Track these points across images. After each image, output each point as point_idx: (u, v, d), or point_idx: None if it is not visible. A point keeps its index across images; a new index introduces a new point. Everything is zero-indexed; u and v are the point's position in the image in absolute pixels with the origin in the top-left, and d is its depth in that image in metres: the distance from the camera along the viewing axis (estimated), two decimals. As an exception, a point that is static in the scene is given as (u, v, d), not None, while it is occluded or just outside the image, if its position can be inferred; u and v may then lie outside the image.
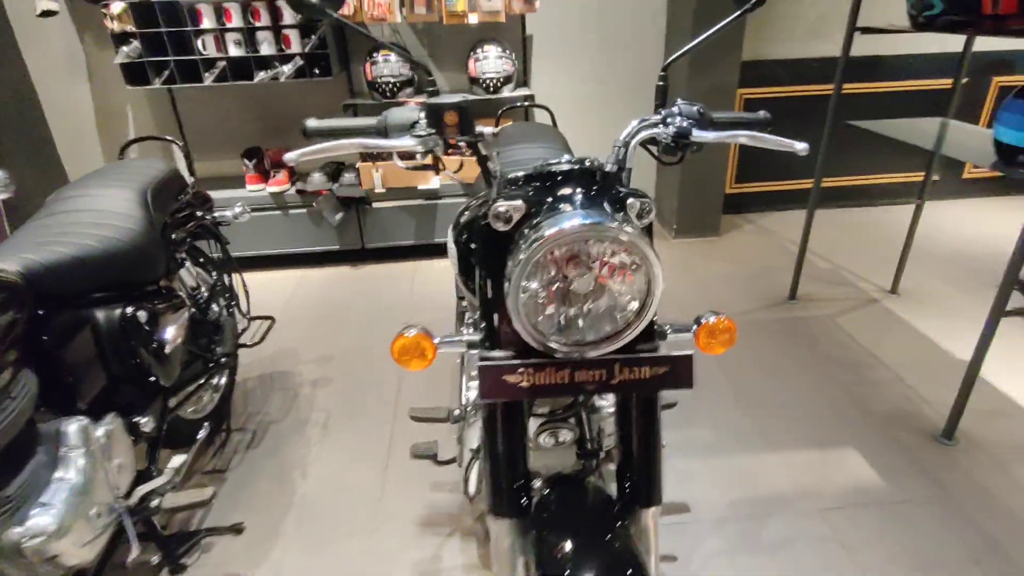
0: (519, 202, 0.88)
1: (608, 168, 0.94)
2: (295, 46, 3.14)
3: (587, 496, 1.02)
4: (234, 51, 3.12)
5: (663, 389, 0.94)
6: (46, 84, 3.50)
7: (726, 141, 1.05)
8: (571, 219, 0.83)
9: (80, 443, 1.36)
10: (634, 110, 3.91)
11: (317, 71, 3.21)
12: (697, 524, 1.84)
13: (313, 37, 3.13)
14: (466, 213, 1.38)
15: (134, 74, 3.13)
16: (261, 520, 1.91)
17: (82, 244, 1.54)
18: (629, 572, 0.86)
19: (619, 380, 0.91)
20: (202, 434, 1.84)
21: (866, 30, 2.48)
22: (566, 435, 1.24)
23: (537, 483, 1.06)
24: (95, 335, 1.49)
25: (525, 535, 0.97)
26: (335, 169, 3.54)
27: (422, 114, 1.04)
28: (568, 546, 0.89)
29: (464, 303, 2.19)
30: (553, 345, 0.88)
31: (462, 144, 1.06)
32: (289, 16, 3.08)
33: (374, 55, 3.28)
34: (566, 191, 0.89)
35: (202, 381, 1.90)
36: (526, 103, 3.38)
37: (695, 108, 1.06)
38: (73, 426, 1.36)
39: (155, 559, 1.73)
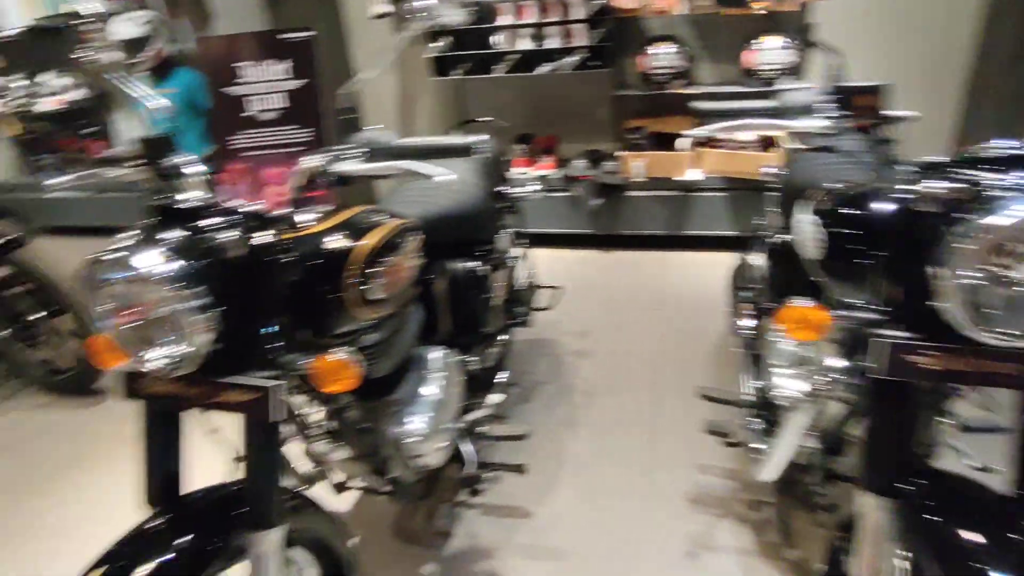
0: (962, 184, 0.88)
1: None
2: (580, 39, 3.36)
3: (975, 488, 0.97)
4: (524, 45, 3.43)
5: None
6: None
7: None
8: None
9: (441, 368, 1.65)
10: (929, 105, 3.49)
11: (598, 63, 3.40)
12: None
13: (599, 30, 3.31)
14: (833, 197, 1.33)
15: (438, 67, 3.60)
16: (539, 466, 2.11)
17: (444, 204, 1.85)
18: None
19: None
20: (502, 378, 2.10)
21: None
22: None
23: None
24: (451, 282, 1.78)
25: (906, 518, 0.96)
26: (597, 156, 3.71)
27: (819, 97, 1.06)
28: (970, 538, 0.87)
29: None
30: (985, 336, 0.86)
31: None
32: (577, 11, 3.30)
33: (650, 47, 3.37)
34: (1001, 176, 0.87)
35: (506, 336, 2.16)
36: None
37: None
38: (438, 354, 1.66)
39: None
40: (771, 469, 1.58)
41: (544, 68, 3.43)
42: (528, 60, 3.48)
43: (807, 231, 1.44)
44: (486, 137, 1.08)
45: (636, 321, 3.01)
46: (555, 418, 2.37)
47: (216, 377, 0.99)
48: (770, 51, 3.21)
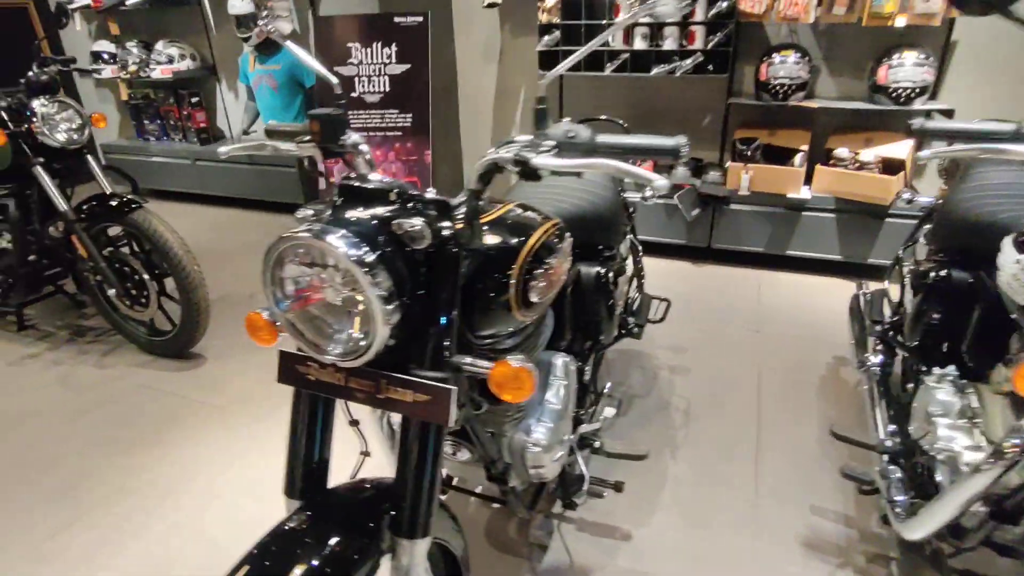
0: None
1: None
2: (698, 42, 3.22)
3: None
4: (639, 44, 3.31)
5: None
6: (464, 67, 4.16)
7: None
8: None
9: (564, 375, 1.57)
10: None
11: (711, 67, 3.25)
12: None
13: (719, 35, 3.16)
14: None
15: (547, 61, 3.53)
16: (637, 485, 2.01)
17: (578, 205, 1.77)
18: None
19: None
20: (607, 389, 2.01)
21: None
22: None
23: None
24: (577, 286, 1.70)
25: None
26: (700, 165, 3.57)
27: None
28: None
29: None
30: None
31: None
32: (700, 12, 3.16)
33: (772, 55, 3.19)
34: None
35: (613, 345, 2.06)
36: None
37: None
38: (561, 360, 1.58)
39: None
40: (920, 528, 1.43)
41: (659, 69, 3.31)
42: (642, 60, 3.36)
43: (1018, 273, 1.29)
44: (685, 139, 0.98)
45: (734, 342, 2.86)
46: (652, 435, 2.26)
47: (384, 371, 0.93)
48: (907, 68, 2.99)
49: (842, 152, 3.21)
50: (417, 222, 0.90)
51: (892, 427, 1.80)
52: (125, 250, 2.66)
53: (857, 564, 1.75)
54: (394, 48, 3.38)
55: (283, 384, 1.03)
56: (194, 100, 4.82)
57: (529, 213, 1.28)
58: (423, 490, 0.96)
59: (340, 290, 0.90)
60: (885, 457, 1.65)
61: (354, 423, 1.13)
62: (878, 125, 3.30)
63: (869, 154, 3.15)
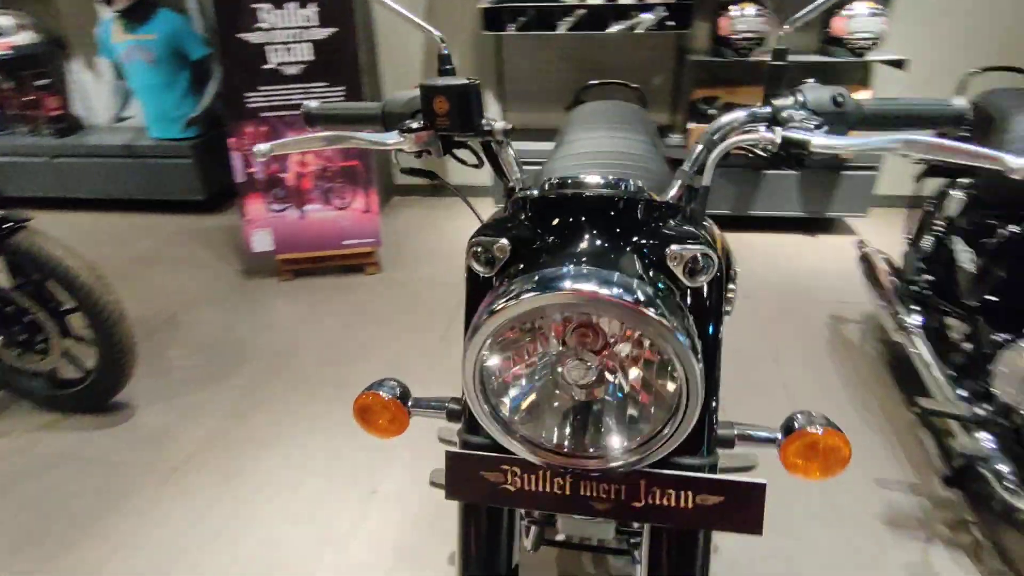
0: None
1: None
2: (657, -4, 3.00)
3: None
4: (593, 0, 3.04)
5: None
6: (386, 32, 3.67)
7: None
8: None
9: None
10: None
11: (673, 23, 3.05)
12: None
13: (680, -14, 2.97)
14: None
15: (493, 19, 3.16)
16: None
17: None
18: None
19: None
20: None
21: None
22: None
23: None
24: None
25: None
26: (657, 128, 3.40)
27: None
28: None
29: None
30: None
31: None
32: (658, -37, 2.94)
33: (729, 8, 3.06)
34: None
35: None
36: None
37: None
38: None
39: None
40: None
41: (619, 26, 3.06)
42: (598, 17, 3.09)
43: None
44: (965, 101, 0.74)
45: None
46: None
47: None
48: (863, 18, 2.97)
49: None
50: (698, 249, 0.59)
51: (962, 392, 1.74)
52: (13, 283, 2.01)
53: (942, 534, 1.69)
54: (314, 8, 2.85)
55: (456, 500, 0.69)
56: (41, 82, 3.90)
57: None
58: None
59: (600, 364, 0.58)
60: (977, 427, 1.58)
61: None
62: (833, 79, 3.29)
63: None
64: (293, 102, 2.96)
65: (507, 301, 0.56)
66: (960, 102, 0.73)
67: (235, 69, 2.90)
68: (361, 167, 3.07)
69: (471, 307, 0.72)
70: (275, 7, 2.85)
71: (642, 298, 0.55)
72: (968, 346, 1.80)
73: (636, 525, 1.03)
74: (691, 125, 3.25)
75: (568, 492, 0.66)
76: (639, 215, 0.64)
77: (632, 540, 1.17)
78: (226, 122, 3.04)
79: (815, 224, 3.52)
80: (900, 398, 2.18)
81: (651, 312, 0.54)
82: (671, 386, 0.58)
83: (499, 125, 0.80)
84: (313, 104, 0.92)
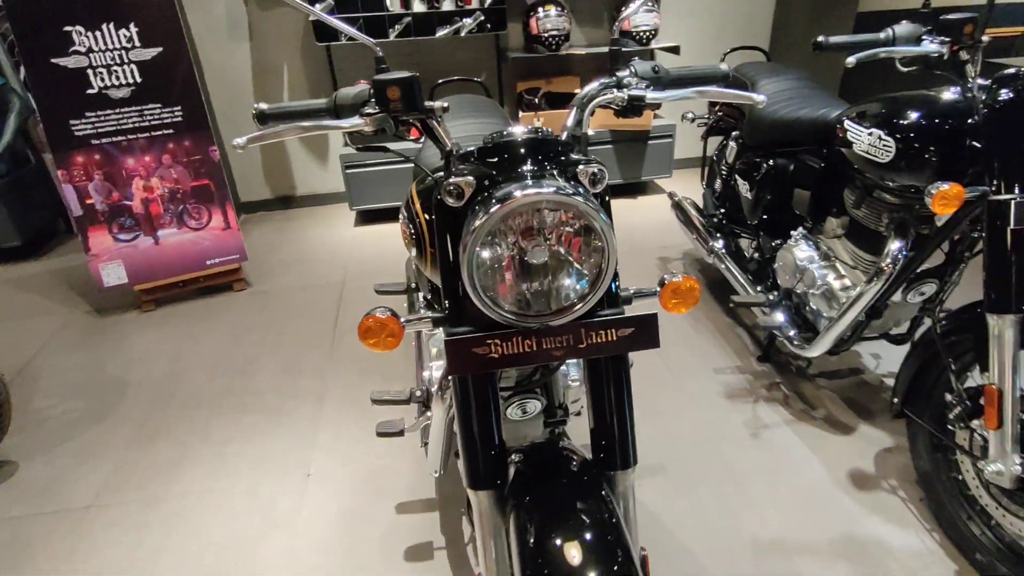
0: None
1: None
2: (474, 2, 3.36)
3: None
4: (418, 7, 3.31)
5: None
6: (206, 47, 3.62)
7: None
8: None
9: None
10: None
11: (489, 26, 3.43)
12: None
13: (491, -8, 3.35)
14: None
15: (324, 30, 3.29)
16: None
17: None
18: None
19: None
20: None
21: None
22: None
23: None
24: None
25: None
26: (493, 120, 3.78)
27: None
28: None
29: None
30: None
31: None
32: (469, -27, 3.29)
33: (537, 10, 3.52)
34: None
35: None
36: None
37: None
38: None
39: None
40: (821, 345, 1.92)
41: (445, 31, 3.36)
42: (425, 23, 3.37)
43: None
44: (727, 67, 1.14)
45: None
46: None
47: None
48: (641, 14, 3.60)
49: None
50: (596, 167, 0.90)
51: (759, 288, 2.32)
52: None
53: (762, 395, 2.24)
54: (133, 28, 2.76)
55: (458, 373, 0.94)
56: None
57: None
58: (627, 421, 1.00)
59: (549, 246, 0.87)
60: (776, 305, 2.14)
61: None
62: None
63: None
64: (127, 127, 2.86)
65: (493, 209, 0.82)
66: (725, 67, 1.13)
67: (53, 96, 2.73)
68: (213, 185, 3.04)
69: (443, 233, 0.95)
70: (88, 30, 2.73)
71: (576, 193, 0.83)
72: (756, 255, 2.39)
73: (558, 403, 1.32)
74: (522, 114, 3.66)
75: (535, 348, 0.91)
76: (552, 151, 0.93)
77: (556, 431, 1.48)
78: (35, 157, 2.83)
79: (634, 188, 4.15)
80: (721, 308, 2.77)
81: (581, 200, 0.83)
82: (595, 255, 0.88)
83: (437, 104, 1.03)
84: (264, 105, 1.09)
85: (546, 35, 3.50)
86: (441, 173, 1.03)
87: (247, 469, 2.01)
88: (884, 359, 2.39)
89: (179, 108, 2.93)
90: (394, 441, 2.08)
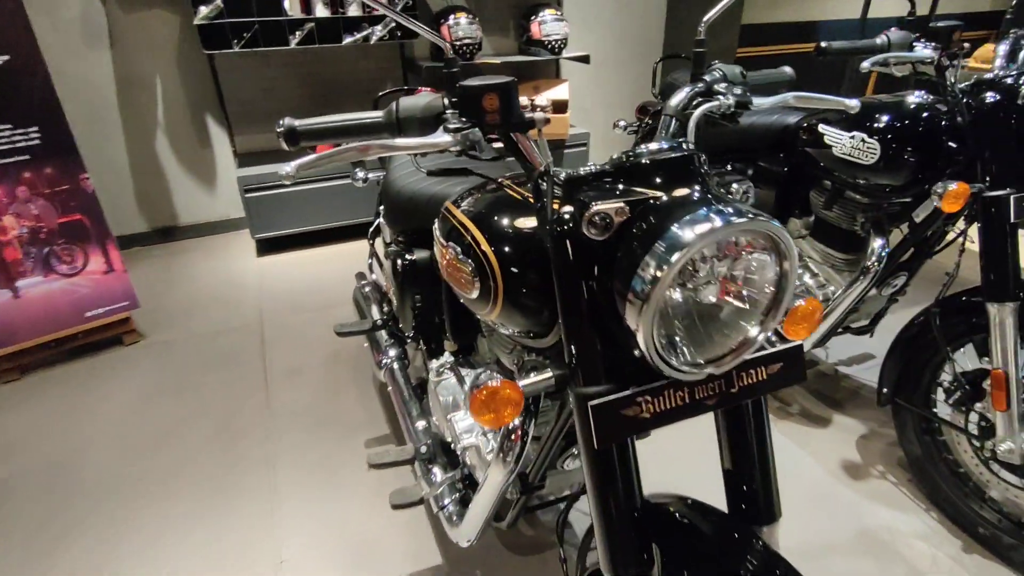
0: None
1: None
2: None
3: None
4: (321, 12, 3.00)
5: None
6: (56, 57, 3.03)
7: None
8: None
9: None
10: (640, 70, 4.39)
11: (400, 33, 3.21)
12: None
13: (402, -2, 3.13)
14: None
15: (212, 36, 2.87)
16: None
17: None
18: None
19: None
20: None
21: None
22: None
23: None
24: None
25: None
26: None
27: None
28: None
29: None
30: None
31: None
32: (376, -24, 3.04)
33: (447, 17, 3.35)
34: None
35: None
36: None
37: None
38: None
39: None
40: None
41: (352, 38, 3.08)
42: (330, 31, 3.06)
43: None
44: (791, 71, 1.07)
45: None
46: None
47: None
48: (551, 23, 3.56)
49: (523, 100, 3.66)
50: (746, 183, 0.79)
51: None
52: None
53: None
54: (-37, 33, 2.19)
55: (606, 445, 0.77)
56: None
57: None
58: (770, 469, 0.89)
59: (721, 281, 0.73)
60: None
61: None
62: (537, 74, 3.87)
63: (542, 99, 3.69)
64: (-36, 154, 2.27)
65: (688, 239, 0.66)
66: (790, 71, 1.07)
67: None
68: (87, 221, 2.52)
69: (571, 271, 0.76)
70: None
71: (765, 218, 0.69)
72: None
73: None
74: (438, 126, 3.47)
75: (687, 400, 0.78)
76: (698, 169, 0.76)
77: None
78: None
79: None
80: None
81: (777, 226, 0.70)
82: (768, 288, 0.76)
83: (539, 116, 0.86)
84: (294, 121, 0.84)
85: (458, 44, 3.35)
86: (544, 199, 0.83)
87: (202, 570, 1.64)
88: (832, 349, 2.53)
89: (35, 129, 2.39)
90: (375, 507, 1.81)
